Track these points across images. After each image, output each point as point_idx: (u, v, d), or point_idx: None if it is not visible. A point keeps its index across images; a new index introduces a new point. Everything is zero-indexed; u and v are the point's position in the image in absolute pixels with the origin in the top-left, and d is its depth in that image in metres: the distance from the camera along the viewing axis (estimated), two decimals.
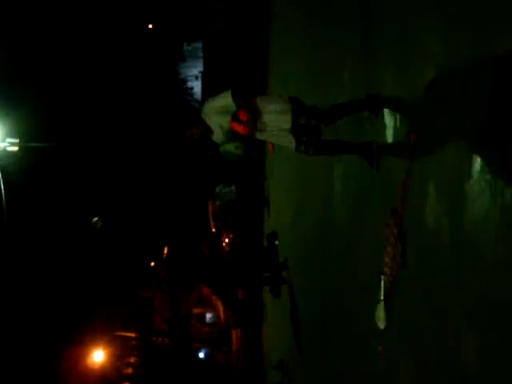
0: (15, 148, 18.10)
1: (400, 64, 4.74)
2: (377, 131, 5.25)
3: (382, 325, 4.74)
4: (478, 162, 3.21)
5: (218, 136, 5.31)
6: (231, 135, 5.13)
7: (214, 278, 25.39)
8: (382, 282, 4.68)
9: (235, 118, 5.05)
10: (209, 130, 5.33)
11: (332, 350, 7.39)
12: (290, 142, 5.17)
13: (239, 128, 5.06)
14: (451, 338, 3.49)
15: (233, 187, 21.46)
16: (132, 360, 32.25)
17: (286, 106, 5.10)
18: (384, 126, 5.06)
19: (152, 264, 35.13)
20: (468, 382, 3.27)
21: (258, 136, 5.26)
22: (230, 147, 5.13)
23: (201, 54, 39.39)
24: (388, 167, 4.94)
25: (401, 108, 4.73)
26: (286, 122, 5.07)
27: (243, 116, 5.02)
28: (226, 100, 5.12)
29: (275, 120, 5.11)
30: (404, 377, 4.39)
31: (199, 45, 39.92)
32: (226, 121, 5.16)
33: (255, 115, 5.05)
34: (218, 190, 21.48)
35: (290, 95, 5.40)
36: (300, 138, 5.08)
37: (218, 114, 5.17)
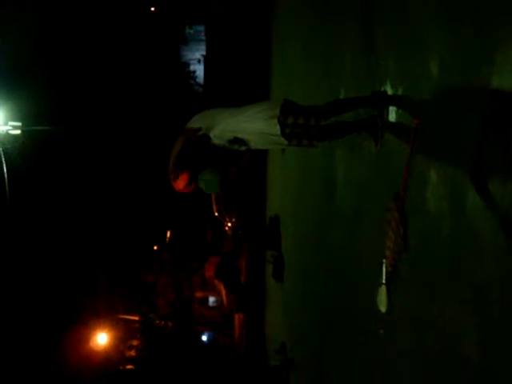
0: (18, 131, 18.14)
1: (402, 54, 4.72)
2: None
3: (383, 308, 4.76)
4: (480, 148, 3.22)
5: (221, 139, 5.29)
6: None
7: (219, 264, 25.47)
8: (384, 266, 4.70)
9: (176, 177, 5.17)
10: (205, 137, 5.26)
11: (334, 333, 7.43)
12: (281, 142, 5.14)
13: (184, 187, 5.20)
14: (452, 321, 3.52)
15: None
16: (135, 343, 32.43)
17: (276, 111, 5.03)
18: (386, 112, 5.05)
19: (155, 248, 35.25)
20: (468, 366, 3.29)
21: (252, 146, 5.23)
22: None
23: (203, 37, 39.20)
24: (390, 152, 4.94)
25: (404, 97, 4.72)
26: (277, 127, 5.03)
27: (184, 177, 5.15)
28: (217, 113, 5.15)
29: (266, 127, 5.05)
30: (405, 360, 4.43)
31: (201, 28, 39.71)
32: (220, 133, 5.14)
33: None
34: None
35: (289, 91, 5.37)
36: (300, 138, 5.03)
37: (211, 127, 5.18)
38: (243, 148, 5.20)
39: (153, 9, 38.19)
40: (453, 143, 3.60)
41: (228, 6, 27.38)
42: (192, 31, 42.04)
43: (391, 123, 4.94)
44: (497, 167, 3.02)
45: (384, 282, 4.73)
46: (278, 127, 4.97)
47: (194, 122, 5.24)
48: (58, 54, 28.86)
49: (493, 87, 3.06)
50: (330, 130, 5.31)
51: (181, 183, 5.24)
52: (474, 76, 3.30)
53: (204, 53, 38.39)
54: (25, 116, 19.65)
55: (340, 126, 5.43)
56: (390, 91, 4.96)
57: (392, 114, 4.93)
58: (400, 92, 4.74)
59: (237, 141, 5.10)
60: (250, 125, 5.06)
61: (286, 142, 5.08)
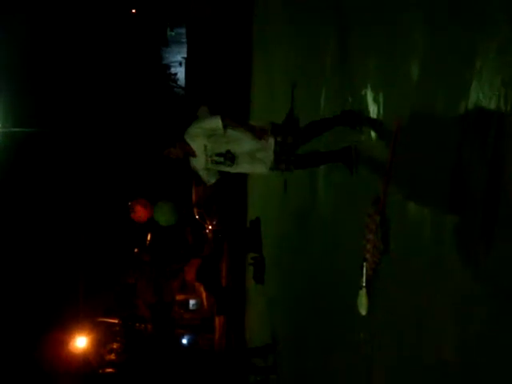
0: None
1: (382, 58, 4.75)
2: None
3: (363, 311, 4.78)
4: (460, 151, 3.24)
5: (199, 161, 5.35)
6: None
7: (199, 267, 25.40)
8: (364, 269, 4.71)
9: (132, 209, 5.28)
10: (188, 155, 5.32)
11: (315, 336, 7.43)
12: (264, 167, 5.27)
13: (139, 216, 5.31)
14: (432, 324, 3.54)
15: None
16: (115, 346, 32.22)
17: (265, 144, 5.17)
18: (367, 117, 5.08)
19: (135, 250, 35.03)
20: (447, 368, 3.31)
21: (233, 169, 5.34)
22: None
23: (184, 40, 39.09)
24: (371, 155, 4.97)
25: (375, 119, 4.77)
26: (265, 158, 5.20)
27: (141, 203, 5.26)
28: (214, 124, 5.15)
29: (249, 151, 5.19)
30: (386, 362, 4.44)
31: (183, 30, 39.60)
32: (211, 143, 5.20)
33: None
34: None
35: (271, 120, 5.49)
36: (279, 157, 5.16)
37: (205, 136, 5.20)
38: (227, 167, 5.28)
39: (134, 11, 38.05)
40: (433, 147, 3.62)
41: (210, 8, 27.39)
42: (173, 33, 41.95)
43: (372, 129, 4.97)
44: (477, 166, 3.04)
45: (364, 284, 4.75)
46: (272, 146, 5.11)
47: (202, 123, 5.28)
48: (38, 56, 28.64)
49: (474, 87, 3.08)
50: (308, 159, 5.57)
51: (138, 212, 5.39)
52: (454, 80, 3.32)
53: (185, 55, 38.28)
54: (4, 117, 19.48)
55: (317, 155, 5.70)
56: (369, 95, 5.00)
57: (373, 119, 4.96)
58: (380, 96, 4.77)
59: (227, 155, 5.16)
60: (243, 144, 5.18)
61: (271, 162, 5.19)
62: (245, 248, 17.63)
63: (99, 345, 31.01)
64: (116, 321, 32.55)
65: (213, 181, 5.48)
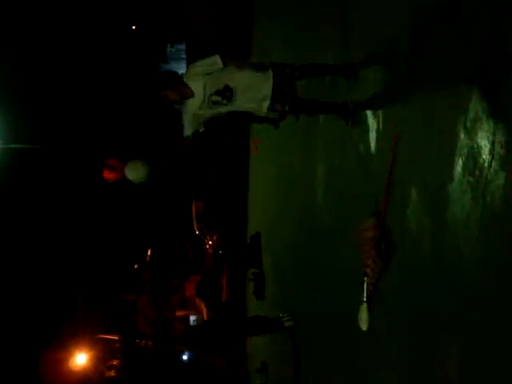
0: None
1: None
2: (361, 132, 5.29)
3: (364, 326, 4.74)
4: (459, 164, 3.23)
5: (193, 103, 5.24)
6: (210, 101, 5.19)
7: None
8: (365, 284, 4.68)
9: (106, 165, 5.21)
10: (185, 98, 5.26)
11: (316, 352, 7.39)
12: (263, 105, 5.20)
13: (111, 175, 5.23)
14: (434, 339, 3.51)
15: None
16: (115, 363, 32.04)
17: (264, 74, 5.19)
18: (366, 128, 5.09)
19: (135, 266, 34.98)
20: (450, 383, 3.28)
21: (229, 108, 5.26)
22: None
23: (184, 56, 39.27)
24: (371, 169, 4.96)
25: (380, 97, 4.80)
26: (264, 88, 5.15)
27: (113, 163, 5.19)
28: (214, 61, 5.19)
29: (250, 88, 5.16)
30: (389, 377, 4.40)
31: (183, 46, 39.79)
32: (210, 80, 5.16)
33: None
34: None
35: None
36: (280, 88, 5.13)
37: (204, 74, 5.19)
38: (223, 106, 5.20)
39: (134, 27, 38.23)
40: (433, 157, 3.61)
41: (211, 22, 27.55)
42: (173, 49, 42.15)
43: (372, 140, 4.96)
44: (477, 180, 3.03)
45: (365, 299, 4.71)
46: (270, 82, 5.11)
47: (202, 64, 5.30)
48: (39, 71, 28.73)
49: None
50: (304, 103, 5.54)
51: (108, 172, 5.29)
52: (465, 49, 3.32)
53: (184, 71, 38.40)
54: (4, 133, 19.48)
55: (314, 103, 5.69)
56: None
57: (372, 132, 4.95)
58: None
59: (225, 92, 5.12)
60: (243, 75, 5.17)
61: (267, 103, 5.14)
62: (245, 263, 17.58)
63: (99, 361, 30.85)
64: (116, 337, 32.41)
65: (201, 129, 5.38)
